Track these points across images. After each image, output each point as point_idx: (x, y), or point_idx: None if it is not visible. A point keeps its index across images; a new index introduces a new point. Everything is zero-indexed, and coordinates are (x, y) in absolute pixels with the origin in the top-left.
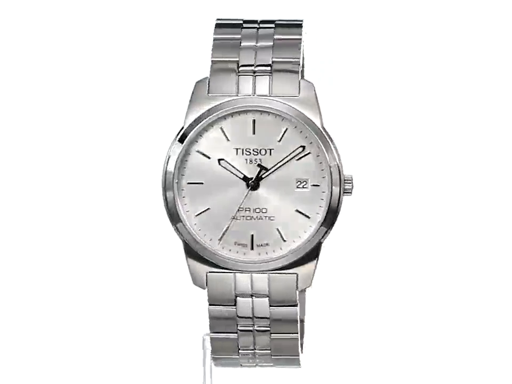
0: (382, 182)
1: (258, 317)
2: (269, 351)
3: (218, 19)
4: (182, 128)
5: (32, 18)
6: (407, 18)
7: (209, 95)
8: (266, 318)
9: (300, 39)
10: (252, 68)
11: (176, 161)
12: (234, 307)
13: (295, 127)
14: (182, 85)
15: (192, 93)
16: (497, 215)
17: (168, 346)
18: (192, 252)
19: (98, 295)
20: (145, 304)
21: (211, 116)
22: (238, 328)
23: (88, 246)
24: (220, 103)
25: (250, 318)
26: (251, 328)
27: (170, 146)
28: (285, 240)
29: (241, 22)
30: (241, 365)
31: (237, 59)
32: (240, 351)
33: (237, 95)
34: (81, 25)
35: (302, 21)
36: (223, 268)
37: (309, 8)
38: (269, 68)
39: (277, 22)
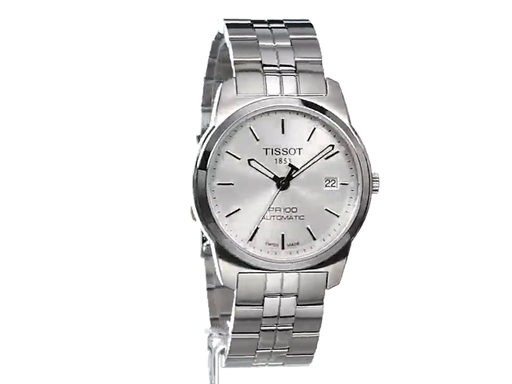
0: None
1: (283, 316)
2: (286, 350)
3: (226, 19)
4: (213, 128)
5: (40, 21)
6: (406, 18)
7: (238, 95)
8: (291, 317)
9: (316, 38)
10: (276, 67)
11: (209, 162)
12: (262, 307)
13: (323, 126)
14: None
15: (220, 93)
16: None
17: (169, 347)
18: (224, 253)
19: (104, 294)
20: (147, 304)
21: (241, 117)
22: (261, 328)
23: (97, 245)
24: (249, 104)
25: (275, 317)
26: (274, 328)
27: (200, 146)
28: (315, 239)
29: (250, 21)
30: (252, 365)
31: (260, 59)
32: (257, 350)
33: (265, 95)
34: (82, 25)
35: (308, 20)
36: (254, 268)
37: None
38: (293, 68)
39: (285, 22)
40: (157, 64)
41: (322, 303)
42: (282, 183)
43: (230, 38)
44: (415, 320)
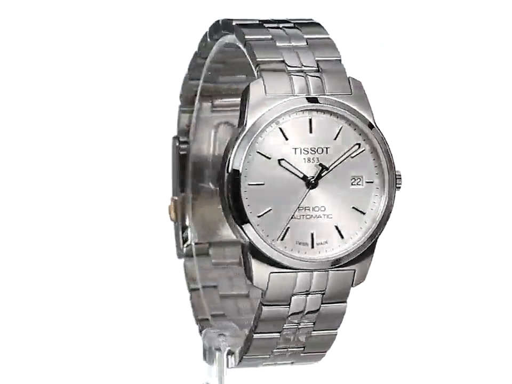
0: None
1: (307, 315)
2: (302, 349)
3: (235, 19)
4: (243, 129)
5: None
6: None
7: (267, 95)
8: (315, 315)
9: (330, 37)
10: (300, 67)
11: (243, 163)
12: (288, 306)
13: (349, 124)
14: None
15: (249, 94)
16: None
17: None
18: (257, 253)
19: (76, 297)
20: (122, 306)
21: (271, 117)
22: (283, 327)
23: (72, 245)
24: (278, 104)
25: (299, 316)
26: (295, 327)
27: (232, 147)
28: (343, 237)
29: (259, 21)
30: (262, 364)
31: (282, 59)
32: (274, 350)
33: (293, 95)
34: (78, 22)
35: (312, 19)
36: (285, 268)
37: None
38: (316, 68)
39: (292, 22)
40: (131, 65)
41: (346, 301)
42: (312, 182)
43: (248, 39)
44: (421, 320)
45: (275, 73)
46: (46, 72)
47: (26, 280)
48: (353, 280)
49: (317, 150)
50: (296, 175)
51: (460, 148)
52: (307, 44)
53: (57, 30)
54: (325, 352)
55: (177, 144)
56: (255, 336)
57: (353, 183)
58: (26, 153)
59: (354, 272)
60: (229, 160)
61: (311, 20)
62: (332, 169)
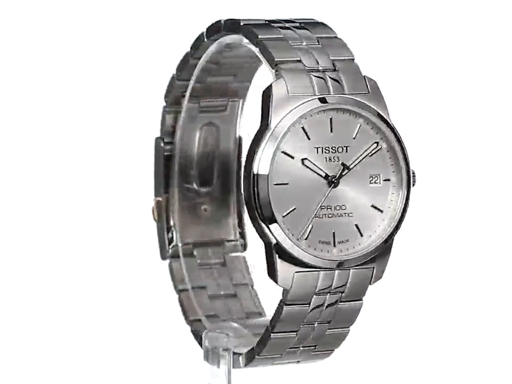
0: None
1: (324, 313)
2: (313, 347)
3: (242, 20)
4: (268, 129)
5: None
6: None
7: (290, 95)
8: (332, 313)
9: (340, 37)
10: (317, 67)
11: (271, 163)
12: (308, 306)
13: (368, 123)
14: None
15: (272, 94)
16: None
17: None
18: (284, 253)
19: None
20: (129, 307)
21: (295, 117)
22: (301, 326)
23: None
24: (301, 103)
25: (317, 315)
26: (312, 325)
27: (257, 147)
28: (362, 236)
29: (266, 21)
30: (272, 364)
31: (299, 59)
32: (288, 349)
33: (315, 95)
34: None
35: (314, 19)
36: (310, 267)
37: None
38: (332, 67)
39: (298, 21)
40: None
41: (362, 299)
42: (334, 181)
43: (262, 38)
44: (422, 320)
45: (295, 73)
46: (30, 71)
47: (5, 283)
48: (371, 278)
49: (337, 149)
50: (318, 174)
51: (459, 148)
52: (319, 44)
53: (39, 27)
54: (333, 350)
55: (162, 144)
56: (273, 336)
57: (371, 182)
58: (6, 153)
59: (373, 270)
60: (255, 161)
61: (313, 19)
62: (352, 168)
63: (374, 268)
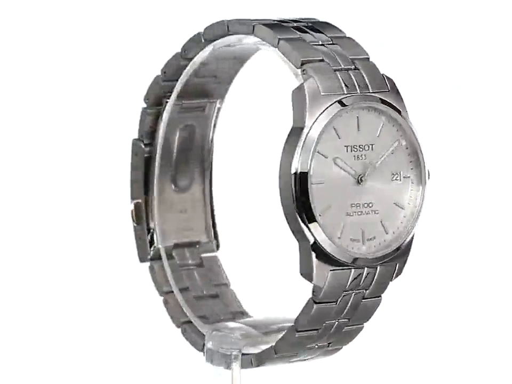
0: None
1: (348, 310)
2: (327, 345)
3: (255, 20)
4: (303, 128)
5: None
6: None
7: (322, 94)
8: (354, 310)
9: (350, 36)
10: (340, 66)
11: (310, 163)
12: (335, 304)
13: (389, 121)
14: None
15: (305, 93)
16: None
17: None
18: (320, 252)
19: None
20: (110, 312)
21: (328, 116)
22: (324, 324)
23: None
24: (333, 102)
25: (341, 313)
26: (334, 322)
27: (295, 147)
28: (387, 233)
29: (277, 21)
30: (288, 362)
31: (321, 58)
32: (306, 347)
33: (345, 93)
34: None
35: (316, 18)
36: (343, 265)
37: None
38: (353, 66)
39: (304, 21)
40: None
41: (381, 295)
42: (362, 179)
43: (282, 38)
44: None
45: (324, 72)
46: (11, 69)
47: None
48: (393, 275)
49: (364, 147)
50: (348, 172)
51: (459, 147)
52: (334, 43)
53: (20, 27)
54: (342, 347)
55: (142, 146)
56: (298, 334)
57: (393, 179)
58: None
59: (396, 266)
60: (294, 160)
61: (315, 19)
62: (378, 166)
63: (396, 264)
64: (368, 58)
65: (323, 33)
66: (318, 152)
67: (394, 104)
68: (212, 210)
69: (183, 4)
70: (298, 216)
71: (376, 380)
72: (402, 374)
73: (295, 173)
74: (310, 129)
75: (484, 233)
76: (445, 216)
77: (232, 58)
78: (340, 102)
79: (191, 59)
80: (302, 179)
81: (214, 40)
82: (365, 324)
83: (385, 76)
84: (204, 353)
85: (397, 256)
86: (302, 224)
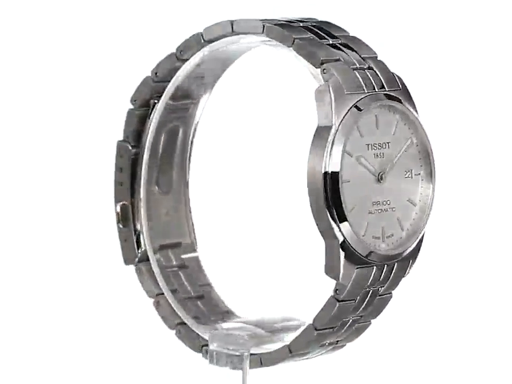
0: None
1: (363, 308)
2: (335, 342)
3: (265, 20)
4: (330, 127)
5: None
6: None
7: (346, 93)
8: (368, 307)
9: (355, 35)
10: (356, 65)
11: (341, 163)
12: (354, 301)
13: (402, 119)
14: None
15: (330, 93)
16: None
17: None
18: (348, 250)
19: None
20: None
21: (354, 115)
22: (341, 322)
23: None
24: (356, 101)
25: (357, 310)
26: (349, 320)
27: (324, 146)
28: (402, 230)
29: (285, 21)
30: (299, 360)
31: (338, 57)
32: (319, 345)
33: (365, 92)
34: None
35: (316, 18)
36: (367, 263)
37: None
38: (367, 65)
39: (307, 21)
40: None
41: (392, 292)
42: (382, 177)
43: (297, 37)
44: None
45: (345, 71)
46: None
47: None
48: (406, 271)
49: (382, 145)
50: (370, 170)
51: (459, 147)
52: (342, 42)
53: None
54: (346, 344)
55: (129, 147)
56: (316, 333)
57: (406, 176)
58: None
59: (409, 263)
60: (324, 160)
61: (315, 19)
62: (395, 163)
63: (410, 261)
64: (377, 57)
65: (330, 32)
66: (345, 151)
67: (404, 103)
68: (190, 211)
69: (164, 7)
70: (329, 216)
71: (375, 379)
72: (402, 373)
73: (326, 173)
74: (338, 129)
75: (485, 233)
76: (443, 216)
77: (225, 59)
78: (362, 100)
79: (186, 60)
80: (333, 179)
81: (214, 41)
82: (372, 320)
83: (395, 74)
84: (203, 354)
85: (411, 253)
86: (333, 223)
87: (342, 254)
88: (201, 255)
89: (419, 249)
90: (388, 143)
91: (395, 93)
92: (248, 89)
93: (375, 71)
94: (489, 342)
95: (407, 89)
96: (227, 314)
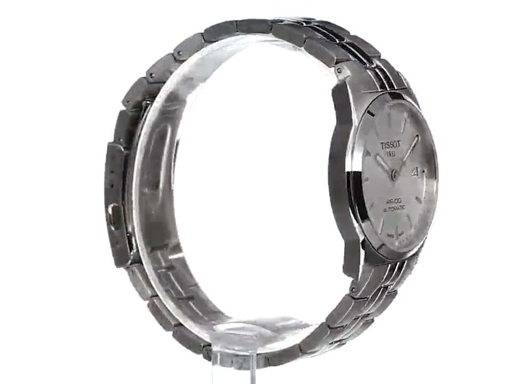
0: None
1: (373, 305)
2: (341, 340)
3: (274, 21)
4: (351, 126)
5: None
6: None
7: (362, 92)
8: (377, 304)
9: (356, 35)
10: (366, 64)
11: (363, 162)
12: (367, 299)
13: (409, 117)
14: None
15: (348, 92)
16: None
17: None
18: (368, 248)
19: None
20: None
21: (371, 114)
22: (352, 319)
23: None
24: (373, 100)
25: (368, 307)
26: (359, 318)
27: (346, 145)
28: (411, 227)
29: (290, 21)
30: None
31: (349, 57)
32: (328, 343)
33: (378, 91)
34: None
35: (314, 18)
36: (384, 261)
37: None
38: (374, 64)
39: (310, 21)
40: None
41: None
42: (395, 175)
43: (308, 37)
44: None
45: (358, 70)
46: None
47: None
48: (412, 268)
49: (393, 144)
50: (384, 169)
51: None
52: (348, 41)
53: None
54: (348, 341)
55: (121, 149)
56: (330, 331)
57: (413, 174)
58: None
59: (416, 259)
60: (347, 159)
61: (314, 18)
62: (404, 161)
63: (417, 258)
64: (380, 56)
65: (335, 32)
66: (366, 150)
67: (411, 101)
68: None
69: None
70: (351, 215)
71: (375, 378)
72: (401, 373)
73: (349, 172)
74: (358, 128)
75: (487, 230)
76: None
77: (220, 59)
78: (377, 99)
79: (183, 61)
80: (355, 178)
81: (215, 41)
82: (375, 318)
83: (399, 72)
84: (204, 355)
85: (418, 250)
86: (355, 222)
87: (362, 252)
88: (187, 256)
89: (423, 246)
90: (398, 141)
91: (402, 91)
92: (240, 88)
93: (384, 70)
94: (489, 342)
95: (410, 88)
96: (219, 314)
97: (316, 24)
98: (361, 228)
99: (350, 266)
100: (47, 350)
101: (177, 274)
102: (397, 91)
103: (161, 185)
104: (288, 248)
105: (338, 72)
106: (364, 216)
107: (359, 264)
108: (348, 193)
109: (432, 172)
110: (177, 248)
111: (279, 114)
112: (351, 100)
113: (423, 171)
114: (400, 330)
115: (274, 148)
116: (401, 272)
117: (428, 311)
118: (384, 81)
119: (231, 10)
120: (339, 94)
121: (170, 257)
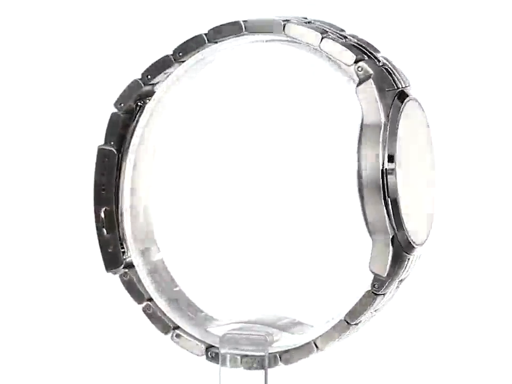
0: None
1: (389, 299)
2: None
3: (285, 20)
4: (380, 124)
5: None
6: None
7: (386, 90)
8: (390, 297)
9: (354, 34)
10: (380, 63)
11: (395, 159)
12: (384, 295)
13: (419, 113)
14: None
15: (375, 90)
16: None
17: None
18: (397, 245)
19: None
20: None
21: (397, 111)
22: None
23: None
24: (393, 98)
25: (385, 300)
26: (373, 313)
27: (380, 144)
28: (422, 222)
29: (304, 19)
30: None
31: (364, 56)
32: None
33: (396, 88)
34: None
35: (308, 18)
36: (405, 256)
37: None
38: (382, 62)
39: (310, 21)
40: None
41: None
42: (416, 170)
43: (324, 37)
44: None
45: (378, 69)
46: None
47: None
48: (418, 261)
49: (412, 140)
50: (409, 164)
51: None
52: (355, 42)
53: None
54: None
55: (114, 151)
56: (350, 327)
57: (424, 167)
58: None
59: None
60: (380, 156)
61: (308, 17)
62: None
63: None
64: (380, 54)
65: (337, 31)
66: (396, 146)
67: (415, 99)
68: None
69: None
70: (385, 211)
71: (375, 377)
72: (401, 373)
73: (385, 168)
74: (388, 126)
75: (487, 232)
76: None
77: (219, 60)
78: (398, 97)
79: (182, 62)
80: (391, 174)
81: (218, 42)
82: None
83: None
84: (208, 357)
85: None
86: (387, 219)
87: (391, 249)
88: (166, 258)
89: (427, 239)
90: (415, 137)
91: (408, 88)
92: (243, 89)
93: (390, 68)
94: (489, 341)
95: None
96: (205, 315)
97: (321, 24)
98: (392, 224)
99: (377, 263)
100: (48, 353)
101: (161, 276)
102: (407, 88)
103: (146, 188)
104: (275, 249)
105: (359, 71)
106: (396, 213)
107: (388, 260)
108: (382, 190)
109: (432, 164)
110: (155, 250)
111: (288, 113)
112: (377, 98)
113: (428, 163)
114: (400, 330)
115: (274, 148)
116: (414, 264)
117: (428, 311)
118: (397, 79)
119: (232, 11)
120: (364, 92)
121: (153, 259)
